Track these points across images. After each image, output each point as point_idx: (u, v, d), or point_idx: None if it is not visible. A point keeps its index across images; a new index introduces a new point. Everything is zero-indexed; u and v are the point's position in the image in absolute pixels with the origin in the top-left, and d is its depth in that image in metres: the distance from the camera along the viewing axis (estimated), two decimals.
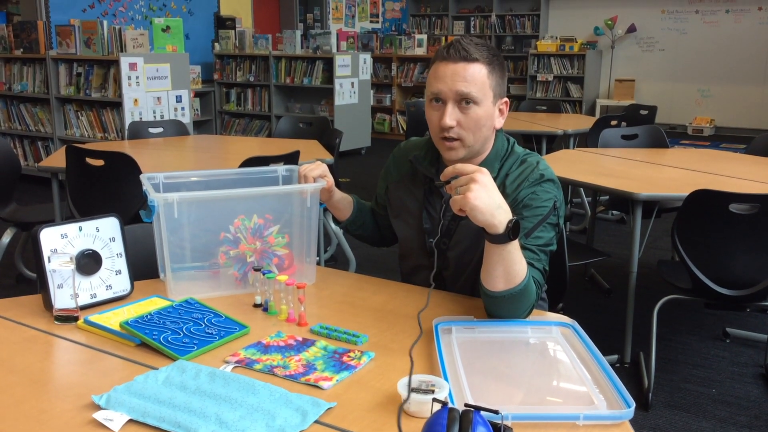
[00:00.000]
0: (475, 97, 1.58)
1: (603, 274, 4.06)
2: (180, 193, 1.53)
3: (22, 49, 6.30)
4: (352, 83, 8.32)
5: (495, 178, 1.62)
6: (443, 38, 10.69)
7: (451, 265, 1.72)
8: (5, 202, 3.58)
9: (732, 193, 2.39)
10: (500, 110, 1.67)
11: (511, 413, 1.06)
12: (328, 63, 8.15)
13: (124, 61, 5.53)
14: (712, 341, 3.26)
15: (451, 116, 1.59)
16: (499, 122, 1.67)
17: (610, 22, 10.91)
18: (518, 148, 1.73)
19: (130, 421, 1.08)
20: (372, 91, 9.25)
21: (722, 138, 10.06)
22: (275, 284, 1.54)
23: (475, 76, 1.58)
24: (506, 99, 1.68)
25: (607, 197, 4.23)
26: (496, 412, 1.00)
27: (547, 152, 4.66)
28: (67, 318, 1.46)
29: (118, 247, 1.59)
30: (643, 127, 4.16)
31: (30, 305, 1.55)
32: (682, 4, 10.58)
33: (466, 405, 0.98)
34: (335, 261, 4.45)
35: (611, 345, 3.04)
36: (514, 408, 1.10)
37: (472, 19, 12.05)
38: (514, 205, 1.58)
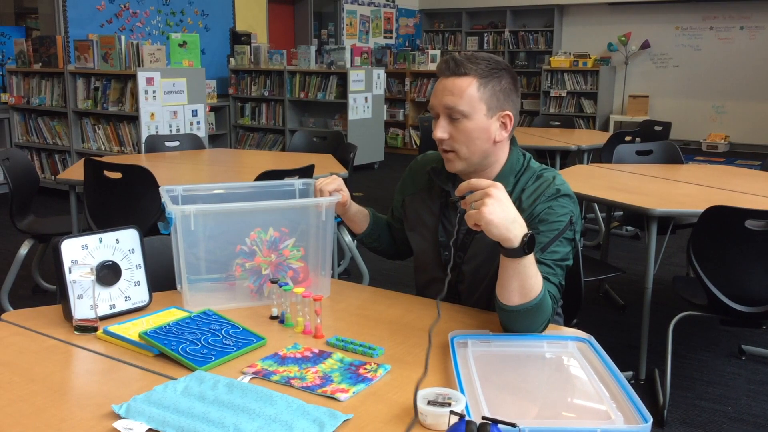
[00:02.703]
0: (461, 110, 1.59)
1: (617, 290, 4.04)
2: (197, 206, 1.55)
3: (40, 63, 6.39)
4: (366, 98, 8.36)
5: (510, 193, 1.64)
6: (456, 54, 10.72)
7: (467, 279, 1.73)
8: (23, 214, 3.62)
9: (747, 210, 2.38)
10: (502, 123, 1.65)
11: (528, 427, 1.06)
12: (342, 78, 8.21)
13: (141, 76, 5.60)
14: (728, 358, 3.24)
15: (441, 129, 1.62)
16: (501, 135, 1.65)
17: (623, 38, 10.92)
18: (534, 163, 1.73)
19: (150, 430, 1.09)
20: (385, 106, 9.30)
21: (737, 154, 10.02)
22: (292, 296, 1.55)
23: (463, 90, 1.59)
24: (508, 112, 1.64)
25: (622, 213, 4.22)
26: (513, 425, 1.00)
27: (561, 167, 4.66)
28: (87, 328, 1.47)
29: (138, 258, 1.61)
30: (658, 143, 4.15)
31: (50, 315, 1.57)
32: (696, 21, 10.58)
33: (484, 418, 0.98)
34: (348, 274, 4.46)
35: (626, 361, 3.02)
36: (531, 422, 1.10)
37: (486, 34, 12.09)
38: (530, 219, 1.59)
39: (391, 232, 1.97)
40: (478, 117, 1.60)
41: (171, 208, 1.54)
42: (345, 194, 1.74)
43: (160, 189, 1.71)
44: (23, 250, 3.54)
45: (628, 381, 2.86)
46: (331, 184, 1.71)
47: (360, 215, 1.88)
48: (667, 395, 2.69)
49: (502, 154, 1.70)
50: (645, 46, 10.88)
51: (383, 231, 1.96)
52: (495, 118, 1.63)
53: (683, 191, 3.14)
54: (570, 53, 10.92)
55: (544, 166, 1.73)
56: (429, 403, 1.11)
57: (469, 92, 1.59)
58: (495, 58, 1.65)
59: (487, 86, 1.60)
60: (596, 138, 5.33)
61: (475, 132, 1.61)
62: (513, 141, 1.72)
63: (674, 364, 3.01)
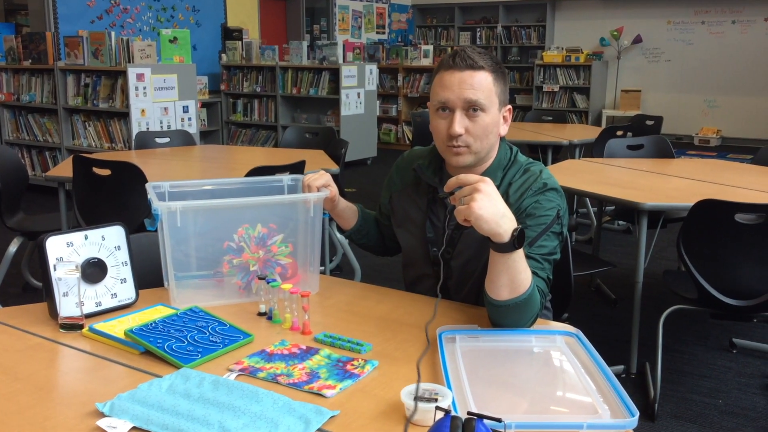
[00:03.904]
0: (482, 104, 1.59)
1: (609, 284, 4.05)
2: (183, 202, 1.54)
3: (30, 60, 6.35)
4: (359, 94, 8.34)
5: (498, 187, 1.62)
6: (449, 49, 10.72)
7: (455, 275, 1.72)
8: (12, 212, 3.60)
9: (738, 203, 2.38)
10: (504, 117, 1.68)
11: (515, 422, 1.06)
12: (335, 74, 8.19)
13: (132, 72, 5.57)
14: (719, 352, 3.24)
15: (459, 124, 1.59)
16: (504, 129, 1.69)
17: (616, 33, 10.93)
18: (521, 157, 1.73)
19: (134, 428, 1.09)
20: (378, 102, 9.28)
21: (729, 148, 10.04)
22: (279, 293, 1.54)
23: (482, 84, 1.59)
24: (509, 106, 1.70)
25: (613, 207, 4.22)
26: (499, 420, 1.00)
27: (553, 162, 4.66)
28: (72, 326, 1.46)
29: (124, 255, 1.60)
30: (649, 137, 4.16)
31: (35, 313, 1.56)
32: (688, 15, 10.59)
33: (469, 413, 0.97)
34: (340, 270, 4.45)
35: (617, 355, 3.03)
36: (518, 417, 1.10)
37: (478, 30, 12.08)
38: (518, 214, 1.58)
39: (380, 228, 1.96)
40: (494, 111, 1.62)
41: (157, 205, 1.53)
42: (333, 190, 1.73)
43: (146, 185, 1.70)
44: (12, 248, 3.52)
45: (620, 375, 2.88)
46: (319, 180, 1.70)
47: (348, 211, 1.87)
48: (658, 389, 2.70)
49: (495, 149, 1.70)
50: (637, 40, 10.89)
51: (371, 227, 1.95)
52: (501, 112, 1.66)
53: (674, 185, 3.14)
54: (562, 48, 10.92)
55: (531, 159, 1.73)
56: (415, 398, 1.10)
57: (487, 85, 1.60)
58: (489, 52, 1.66)
59: (498, 81, 1.62)
60: (588, 133, 5.33)
61: (490, 126, 1.61)
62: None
63: (665, 357, 3.02)
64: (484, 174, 1.65)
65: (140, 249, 1.76)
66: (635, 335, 2.94)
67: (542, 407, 1.20)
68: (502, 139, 1.72)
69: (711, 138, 10.32)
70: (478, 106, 1.59)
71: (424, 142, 1.88)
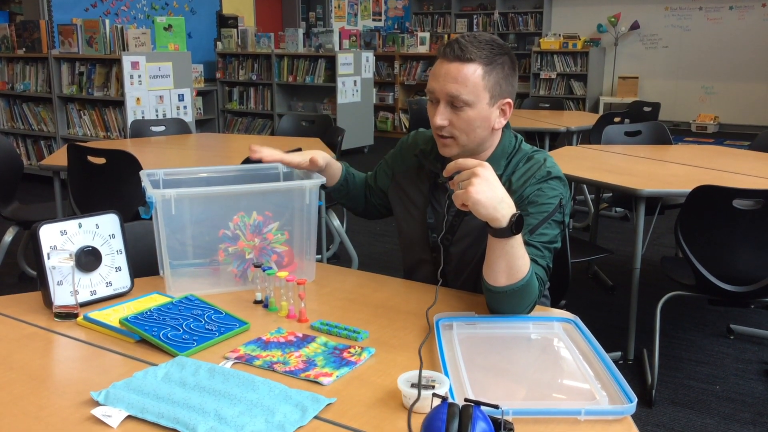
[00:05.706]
0: (465, 99, 1.55)
1: (606, 271, 4.04)
2: (177, 189, 1.53)
3: (24, 49, 6.30)
4: (355, 81, 8.30)
5: (501, 175, 1.62)
6: (446, 36, 10.67)
7: (454, 261, 1.71)
8: (7, 201, 3.58)
9: (735, 189, 2.37)
10: (502, 110, 1.62)
11: (512, 408, 1.05)
12: (331, 61, 8.14)
13: (127, 60, 5.53)
14: (716, 338, 3.25)
15: (442, 116, 1.58)
16: (500, 123, 1.63)
17: (613, 19, 10.88)
18: (525, 145, 1.71)
19: (129, 417, 1.08)
20: (375, 90, 9.24)
21: (726, 135, 10.03)
22: (276, 281, 1.53)
23: (468, 78, 1.54)
24: (509, 100, 1.62)
25: (611, 194, 4.22)
26: (496, 407, 0.99)
27: (550, 149, 4.64)
28: (67, 315, 1.45)
29: (118, 243, 1.59)
30: (646, 123, 4.14)
31: (30, 302, 1.55)
32: (685, 1, 10.54)
33: (466, 400, 0.97)
34: (338, 259, 4.44)
35: (615, 342, 3.03)
36: (515, 403, 1.09)
37: (475, 16, 12.02)
38: (520, 201, 1.57)
39: (367, 193, 1.94)
40: (481, 106, 1.57)
41: (151, 192, 1.52)
42: (313, 157, 1.75)
43: (140, 173, 1.69)
44: (8, 237, 3.51)
45: (617, 362, 2.88)
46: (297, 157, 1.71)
47: (333, 169, 1.85)
48: (656, 375, 2.70)
49: (496, 139, 1.68)
50: (634, 27, 10.84)
51: (356, 190, 1.92)
52: (496, 107, 1.60)
53: (671, 171, 3.13)
54: (559, 35, 10.87)
55: (536, 148, 1.71)
56: (412, 386, 1.10)
57: (474, 80, 1.54)
58: (497, 40, 1.60)
59: (491, 74, 1.56)
60: (585, 119, 5.32)
61: (476, 121, 1.57)
62: (506, 123, 1.69)
63: (663, 344, 3.02)
64: (487, 161, 1.63)
65: (135, 237, 1.75)
66: (633, 322, 2.94)
67: (540, 394, 1.19)
68: (507, 127, 1.69)
69: (708, 124, 10.31)
70: (461, 101, 1.55)
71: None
